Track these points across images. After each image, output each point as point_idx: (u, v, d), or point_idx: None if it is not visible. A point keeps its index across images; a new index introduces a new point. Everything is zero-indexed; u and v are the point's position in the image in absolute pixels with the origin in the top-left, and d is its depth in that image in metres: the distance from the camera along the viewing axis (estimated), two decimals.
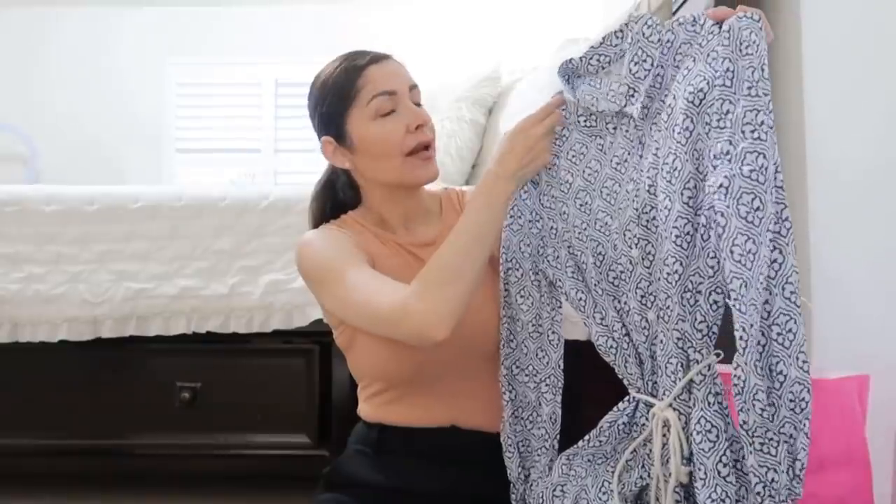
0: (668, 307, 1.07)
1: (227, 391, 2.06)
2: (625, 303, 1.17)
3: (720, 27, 1.04)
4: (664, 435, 1.09)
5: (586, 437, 1.21)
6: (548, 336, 1.28)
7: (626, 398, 1.18)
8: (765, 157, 0.98)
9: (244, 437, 2.07)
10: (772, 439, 0.98)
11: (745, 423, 0.99)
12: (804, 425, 0.98)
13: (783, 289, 0.98)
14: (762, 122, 0.99)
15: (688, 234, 1.03)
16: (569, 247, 1.25)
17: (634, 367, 1.16)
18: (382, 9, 4.25)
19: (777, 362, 0.98)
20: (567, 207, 1.25)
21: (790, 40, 1.63)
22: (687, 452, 1.07)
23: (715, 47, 1.03)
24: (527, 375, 1.30)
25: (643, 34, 1.11)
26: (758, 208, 0.97)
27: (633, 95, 1.13)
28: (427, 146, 1.37)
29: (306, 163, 4.39)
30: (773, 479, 0.98)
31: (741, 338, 0.97)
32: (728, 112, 1.01)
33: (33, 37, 4.37)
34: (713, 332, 1.06)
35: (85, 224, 2.03)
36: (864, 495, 1.35)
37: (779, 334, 0.98)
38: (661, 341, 1.09)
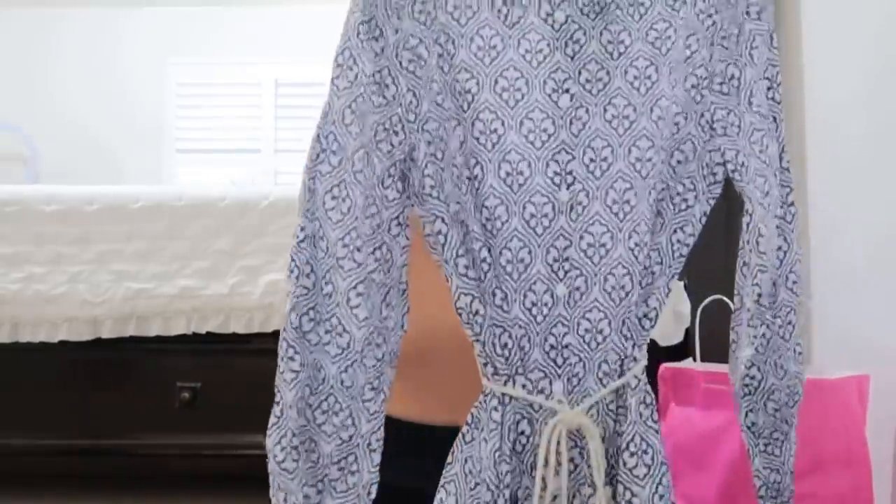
0: (622, 286, 0.84)
1: (227, 391, 2.06)
2: (512, 259, 0.82)
3: None
4: (574, 445, 0.84)
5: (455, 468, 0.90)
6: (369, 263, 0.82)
7: (485, 397, 0.89)
8: (771, 136, 0.92)
9: (244, 437, 2.07)
10: (777, 439, 0.94)
11: (753, 424, 0.93)
12: (795, 419, 0.94)
13: (787, 279, 0.91)
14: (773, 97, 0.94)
15: (665, 199, 0.87)
16: (429, 141, 0.83)
17: (514, 352, 0.84)
18: None
19: (778, 357, 0.92)
20: (436, 84, 0.84)
21: (791, 34, 1.63)
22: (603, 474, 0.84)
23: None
24: (326, 332, 0.83)
25: None
26: (766, 192, 0.87)
27: None
28: None
29: None
30: (775, 481, 0.94)
31: (763, 335, 0.89)
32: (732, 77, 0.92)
33: (34, 37, 4.37)
34: (654, 323, 0.90)
35: (85, 224, 2.03)
36: (864, 495, 1.34)
37: (780, 327, 0.91)
38: (587, 329, 0.84)
